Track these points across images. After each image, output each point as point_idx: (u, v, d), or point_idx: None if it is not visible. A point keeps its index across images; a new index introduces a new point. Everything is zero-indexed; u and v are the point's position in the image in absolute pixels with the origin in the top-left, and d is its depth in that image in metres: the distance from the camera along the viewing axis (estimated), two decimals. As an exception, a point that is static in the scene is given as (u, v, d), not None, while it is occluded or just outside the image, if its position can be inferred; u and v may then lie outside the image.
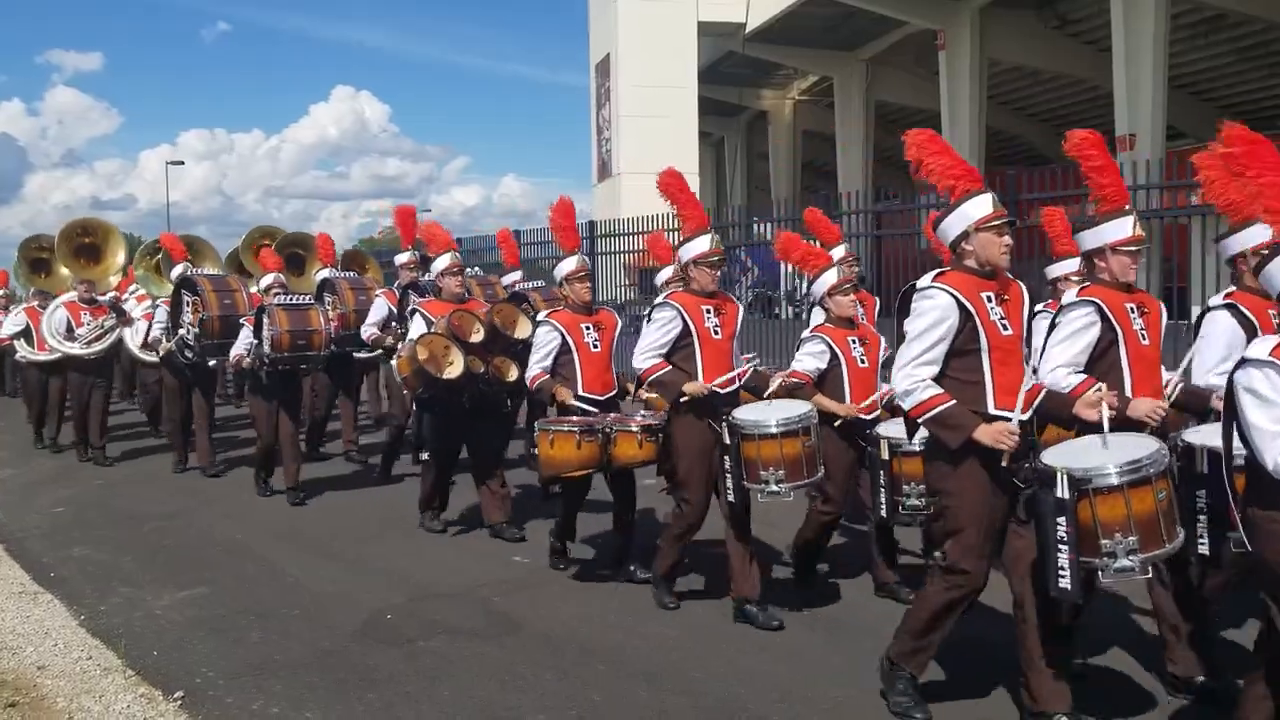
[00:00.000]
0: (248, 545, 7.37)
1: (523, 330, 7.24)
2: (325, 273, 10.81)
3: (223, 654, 5.15)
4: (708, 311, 5.51)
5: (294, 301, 8.64)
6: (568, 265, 6.49)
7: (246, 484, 9.23)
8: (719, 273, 5.68)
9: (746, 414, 5.25)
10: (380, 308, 9.26)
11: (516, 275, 10.15)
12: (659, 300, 5.72)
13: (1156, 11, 21.03)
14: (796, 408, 5.25)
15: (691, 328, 5.45)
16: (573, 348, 6.24)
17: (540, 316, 6.50)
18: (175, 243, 11.13)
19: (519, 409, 8.63)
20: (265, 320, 8.38)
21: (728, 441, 5.21)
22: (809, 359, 5.76)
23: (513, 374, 7.16)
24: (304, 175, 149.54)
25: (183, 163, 62.74)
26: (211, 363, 9.81)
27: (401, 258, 9.64)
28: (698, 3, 29.38)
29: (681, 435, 5.47)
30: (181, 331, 9.55)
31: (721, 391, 5.43)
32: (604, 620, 5.51)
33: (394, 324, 9.02)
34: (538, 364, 6.29)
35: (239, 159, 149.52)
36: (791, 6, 28.69)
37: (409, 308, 8.17)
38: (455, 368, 7.03)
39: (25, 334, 11.61)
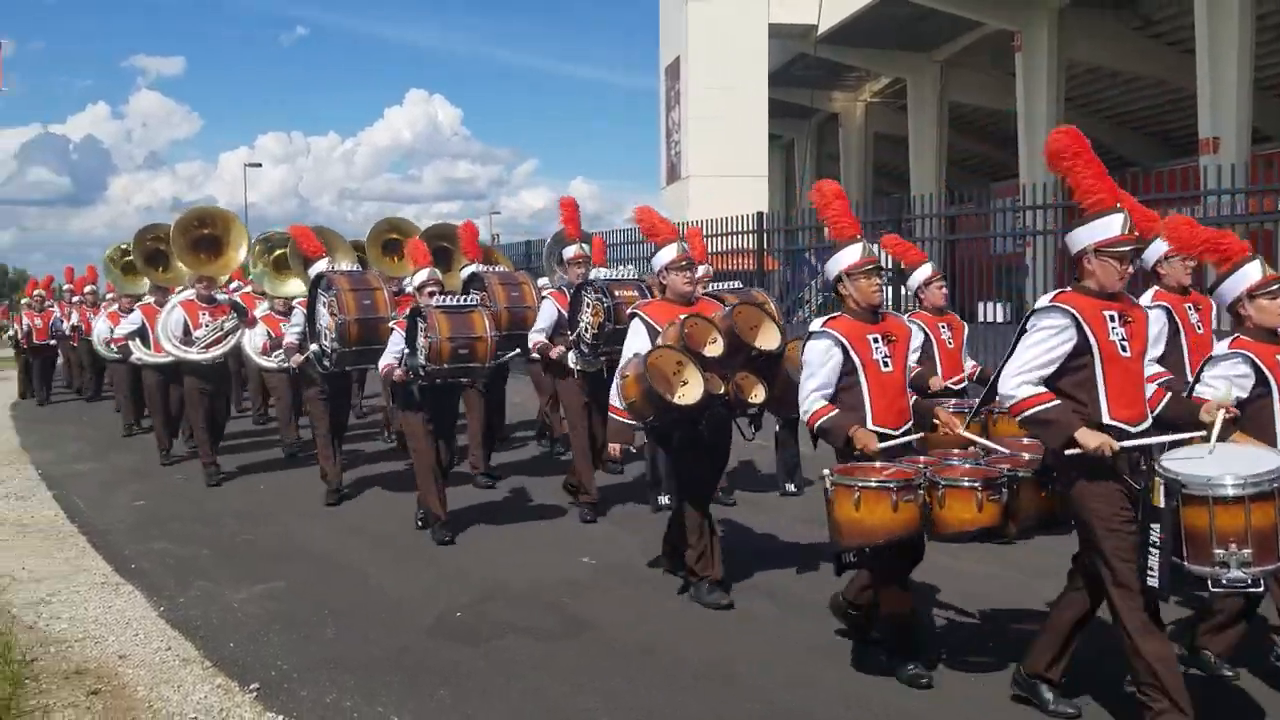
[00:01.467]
0: (323, 543, 7.49)
1: (768, 339, 5.64)
2: (472, 268, 9.40)
3: (297, 648, 5.24)
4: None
5: (454, 303, 7.23)
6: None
7: (323, 485, 9.38)
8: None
9: (1188, 466, 3.67)
10: (549, 312, 8.10)
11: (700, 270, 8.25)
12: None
13: (1241, 12, 20.49)
14: (1263, 459, 3.70)
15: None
16: (858, 366, 4.70)
17: (815, 326, 4.84)
18: (308, 236, 9.00)
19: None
20: (420, 325, 6.99)
21: (1159, 504, 3.63)
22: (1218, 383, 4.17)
23: (759, 395, 5.59)
24: (377, 178, 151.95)
25: (260, 165, 63.92)
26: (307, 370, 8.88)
27: (569, 251, 8.29)
28: (769, 5, 29.25)
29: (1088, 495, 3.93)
30: (322, 339, 8.10)
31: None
32: (674, 624, 5.50)
33: (565, 332, 7.72)
34: (817, 391, 4.73)
35: (315, 161, 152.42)
36: (864, 8, 28.45)
37: (584, 309, 7.19)
38: (692, 389, 5.44)
39: (140, 334, 10.60)
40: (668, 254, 5.92)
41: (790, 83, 35.28)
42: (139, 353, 10.61)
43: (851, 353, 4.67)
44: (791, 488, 8.52)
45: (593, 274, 7.95)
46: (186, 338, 9.65)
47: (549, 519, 7.92)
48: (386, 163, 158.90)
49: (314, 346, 8.14)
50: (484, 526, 7.67)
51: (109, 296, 15.09)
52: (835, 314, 4.85)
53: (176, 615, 5.82)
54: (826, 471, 4.40)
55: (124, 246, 13.00)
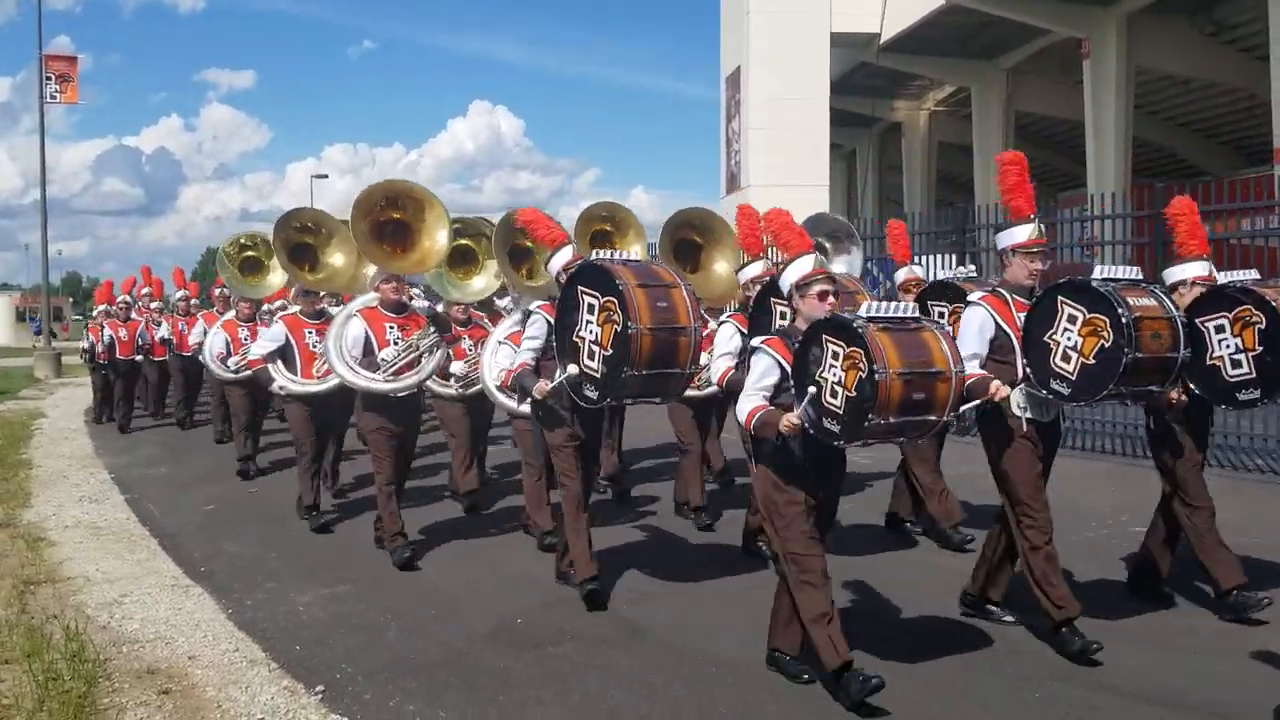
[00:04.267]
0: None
1: None
2: (753, 268, 7.21)
3: (362, 651, 5.31)
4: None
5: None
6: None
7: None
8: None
9: None
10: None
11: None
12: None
13: (1318, 17, 19.98)
14: None
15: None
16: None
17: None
18: (541, 221, 6.43)
19: None
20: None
21: None
22: None
23: None
24: (440, 188, 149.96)
25: (326, 176, 65.11)
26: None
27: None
28: (830, 14, 29.03)
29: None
30: (584, 357, 5.54)
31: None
32: (732, 632, 5.48)
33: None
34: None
35: (380, 172, 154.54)
36: (928, 16, 28.19)
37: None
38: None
39: (284, 354, 8.36)
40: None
41: (852, 91, 35.06)
42: (283, 379, 8.29)
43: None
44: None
45: (899, 275, 8.14)
46: (368, 359, 7.11)
47: (612, 526, 7.94)
48: (449, 173, 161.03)
49: (571, 369, 5.58)
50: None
51: (218, 294, 13.14)
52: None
53: (244, 617, 5.93)
54: None
55: (243, 239, 11.65)
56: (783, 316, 6.03)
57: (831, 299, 4.67)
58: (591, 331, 5.46)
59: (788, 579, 4.65)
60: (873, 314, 4.40)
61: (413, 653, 5.29)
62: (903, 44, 30.47)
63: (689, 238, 7.96)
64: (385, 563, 7.07)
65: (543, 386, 5.90)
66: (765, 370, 4.69)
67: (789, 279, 4.80)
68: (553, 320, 5.87)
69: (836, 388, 4.33)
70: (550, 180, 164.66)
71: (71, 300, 70.91)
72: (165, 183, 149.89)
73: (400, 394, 7.08)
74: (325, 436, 8.55)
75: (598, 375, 5.47)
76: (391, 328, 7.18)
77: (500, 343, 7.36)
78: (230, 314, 11.29)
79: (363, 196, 7.26)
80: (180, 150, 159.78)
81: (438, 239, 7.44)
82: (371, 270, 7.77)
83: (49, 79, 27.53)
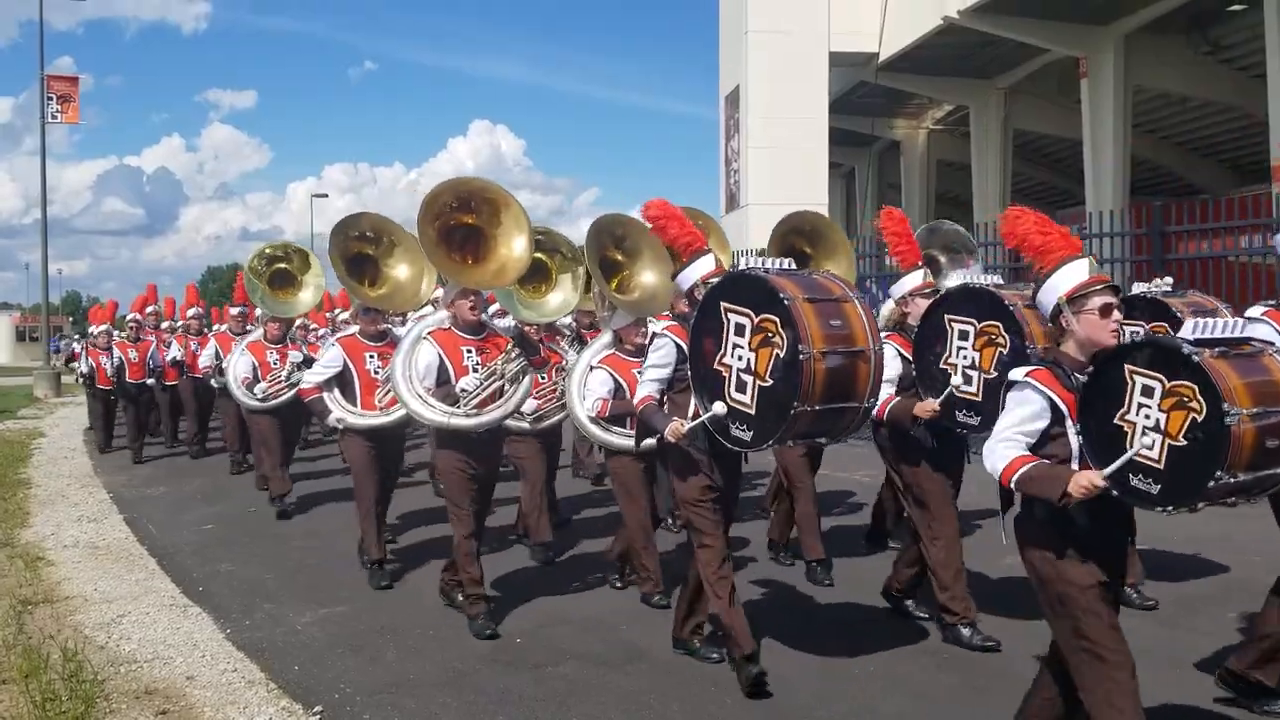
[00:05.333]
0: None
1: None
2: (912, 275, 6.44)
3: (360, 671, 5.30)
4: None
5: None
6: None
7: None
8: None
9: None
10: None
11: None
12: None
13: (1315, 35, 20.06)
14: None
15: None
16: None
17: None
18: (677, 219, 5.46)
19: None
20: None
21: None
22: None
23: None
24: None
25: (326, 195, 65.28)
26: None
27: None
28: (829, 33, 29.17)
29: None
30: (730, 390, 4.65)
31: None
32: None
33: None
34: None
35: (380, 192, 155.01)
36: (925, 36, 28.30)
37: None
38: None
39: (342, 382, 7.29)
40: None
41: (851, 110, 35.16)
42: (342, 411, 7.19)
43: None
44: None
45: None
46: (443, 387, 6.03)
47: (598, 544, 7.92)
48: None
49: (718, 407, 4.64)
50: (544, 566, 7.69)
51: (235, 313, 12.11)
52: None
53: (243, 637, 5.91)
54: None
55: (272, 250, 10.30)
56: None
57: (1117, 314, 3.65)
58: (741, 358, 4.55)
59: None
60: (1201, 335, 3.37)
61: (411, 673, 5.27)
62: (901, 63, 30.59)
63: (798, 246, 7.02)
64: (384, 587, 7.05)
65: (677, 428, 4.85)
66: (1036, 413, 3.61)
67: (1056, 289, 3.71)
68: (684, 345, 4.94)
69: (1153, 435, 3.33)
70: (550, 199, 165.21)
71: (71, 320, 70.94)
72: (166, 202, 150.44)
73: (478, 431, 5.97)
74: (390, 477, 7.42)
75: (751, 412, 4.51)
76: (469, 352, 6.09)
77: (593, 367, 6.49)
78: (256, 334, 10.27)
79: (430, 198, 6.07)
80: (181, 170, 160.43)
81: (515, 247, 6.18)
82: (423, 286, 7.43)
83: (50, 99, 27.68)
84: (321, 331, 13.40)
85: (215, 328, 13.90)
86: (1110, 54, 25.99)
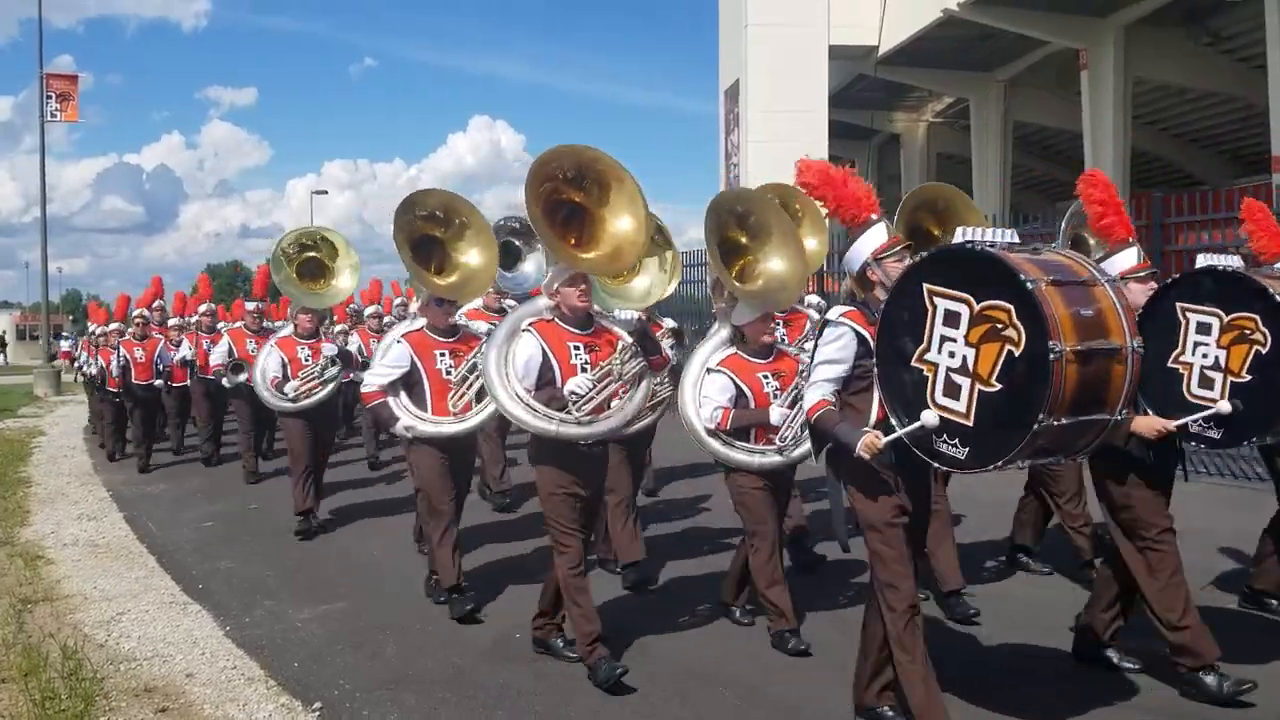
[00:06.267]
0: (384, 563, 7.56)
1: None
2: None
3: (359, 667, 5.29)
4: None
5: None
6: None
7: (384, 504, 9.51)
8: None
9: None
10: None
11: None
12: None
13: (1315, 26, 20.01)
14: None
15: None
16: None
17: None
18: (836, 182, 4.43)
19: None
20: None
21: None
22: None
23: None
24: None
25: (326, 192, 65.23)
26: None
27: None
28: (829, 27, 29.13)
29: None
30: (943, 401, 3.82)
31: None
32: (737, 651, 5.45)
33: None
34: None
35: (380, 188, 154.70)
36: (925, 29, 28.27)
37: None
38: None
39: (408, 384, 6.31)
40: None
41: (851, 104, 35.12)
42: (410, 418, 6.21)
43: None
44: None
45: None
46: (547, 394, 5.08)
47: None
48: (449, 187, 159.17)
49: (928, 417, 3.80)
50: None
51: (252, 307, 11.65)
52: None
53: (242, 634, 5.90)
54: None
55: (304, 237, 9.23)
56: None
57: None
58: (954, 355, 3.71)
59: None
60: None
61: (410, 669, 5.26)
62: (901, 56, 30.54)
63: (925, 226, 6.19)
64: (383, 579, 7.06)
65: (873, 441, 3.95)
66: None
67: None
68: (868, 335, 4.12)
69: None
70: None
71: (71, 318, 70.92)
72: (166, 200, 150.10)
73: (594, 441, 5.15)
74: (462, 494, 6.51)
75: (967, 423, 3.68)
76: (577, 349, 5.18)
77: (710, 370, 5.56)
78: (287, 329, 9.23)
79: (536, 168, 5.11)
80: (181, 167, 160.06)
81: (629, 228, 5.25)
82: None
83: (49, 97, 27.63)
84: (339, 327, 12.68)
85: (226, 324, 13.14)
86: (1110, 46, 25.96)
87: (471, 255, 6.36)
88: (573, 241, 5.25)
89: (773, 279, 5.40)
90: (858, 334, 4.17)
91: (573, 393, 5.03)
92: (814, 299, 7.50)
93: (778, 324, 6.13)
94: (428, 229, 6.31)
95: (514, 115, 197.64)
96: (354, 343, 11.04)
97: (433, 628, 5.93)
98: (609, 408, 5.13)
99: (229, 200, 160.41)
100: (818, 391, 4.21)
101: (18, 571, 7.39)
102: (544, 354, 5.09)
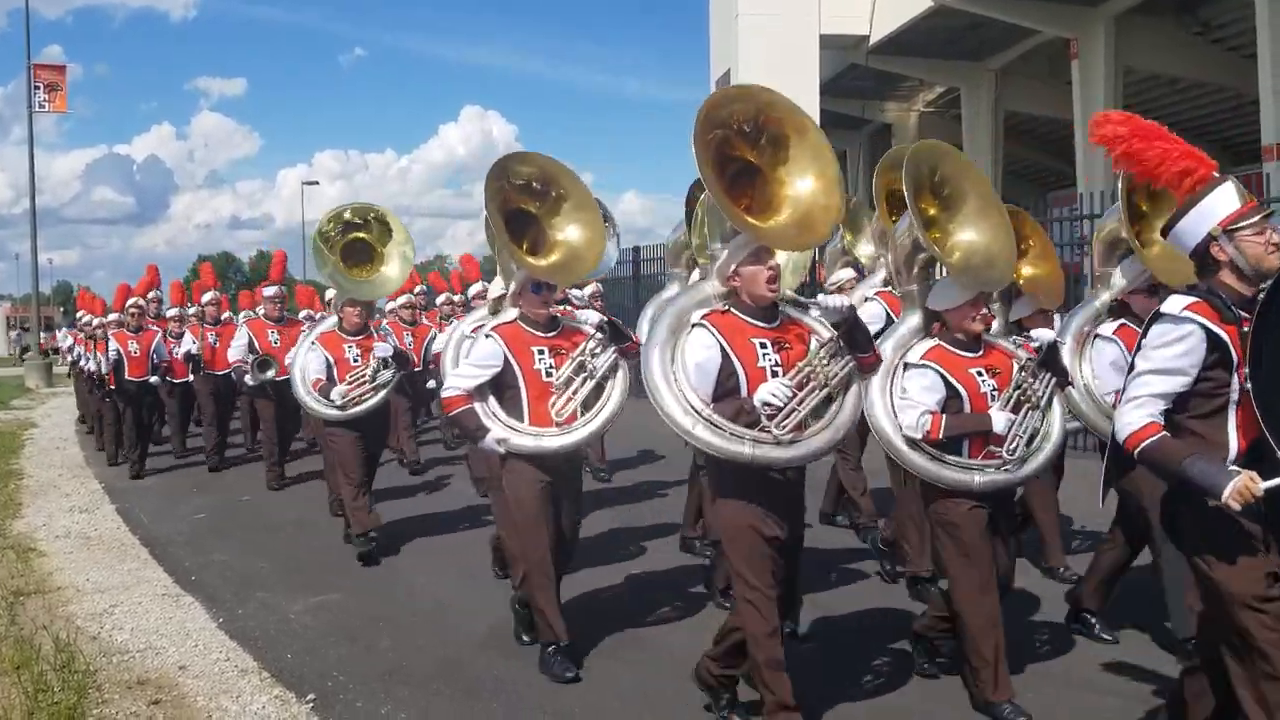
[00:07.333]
0: (378, 554, 7.53)
1: None
2: None
3: (353, 659, 5.29)
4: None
5: None
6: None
7: (376, 494, 9.45)
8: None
9: None
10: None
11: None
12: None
13: (1305, 14, 20.07)
14: None
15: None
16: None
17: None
18: (1147, 134, 3.67)
19: None
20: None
21: None
22: None
23: None
24: (431, 194, 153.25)
25: (317, 183, 65.01)
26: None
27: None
28: (819, 16, 29.13)
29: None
30: None
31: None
32: (653, 614, 5.56)
33: None
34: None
35: (371, 178, 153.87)
36: (916, 18, 28.27)
37: None
38: None
39: (497, 386, 5.15)
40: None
41: (842, 94, 35.10)
42: (503, 429, 5.08)
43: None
44: None
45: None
46: (732, 404, 3.98)
47: (599, 533, 7.91)
48: (441, 178, 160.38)
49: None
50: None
51: (274, 292, 10.68)
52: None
53: (235, 626, 5.90)
54: None
55: (349, 214, 7.77)
56: None
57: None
58: None
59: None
60: None
61: (405, 661, 5.26)
62: (892, 46, 30.55)
63: (1138, 205, 5.17)
64: (376, 571, 7.06)
65: (1248, 485, 3.00)
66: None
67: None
68: (1225, 338, 3.17)
69: None
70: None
71: (62, 309, 70.69)
72: (156, 191, 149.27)
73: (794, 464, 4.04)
74: (567, 534, 5.32)
75: None
76: (764, 348, 4.04)
77: (908, 365, 4.41)
78: (329, 323, 7.93)
79: (708, 111, 4.04)
80: (171, 158, 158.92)
81: (805, 186, 4.19)
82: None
83: (37, 88, 27.55)
84: (319, 315, 11.09)
85: (244, 314, 12.46)
86: (1101, 35, 26.01)
87: (570, 231, 5.37)
88: (748, 207, 4.14)
89: (975, 253, 4.48)
90: (1209, 334, 3.19)
91: (766, 403, 3.89)
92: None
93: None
94: (522, 201, 5.32)
95: (505, 106, 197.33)
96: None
97: (427, 618, 5.94)
98: (810, 423, 3.99)
99: (219, 191, 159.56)
100: (1143, 411, 3.24)
101: (9, 564, 7.37)
102: (724, 354, 3.97)
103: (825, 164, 4.20)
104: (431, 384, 10.06)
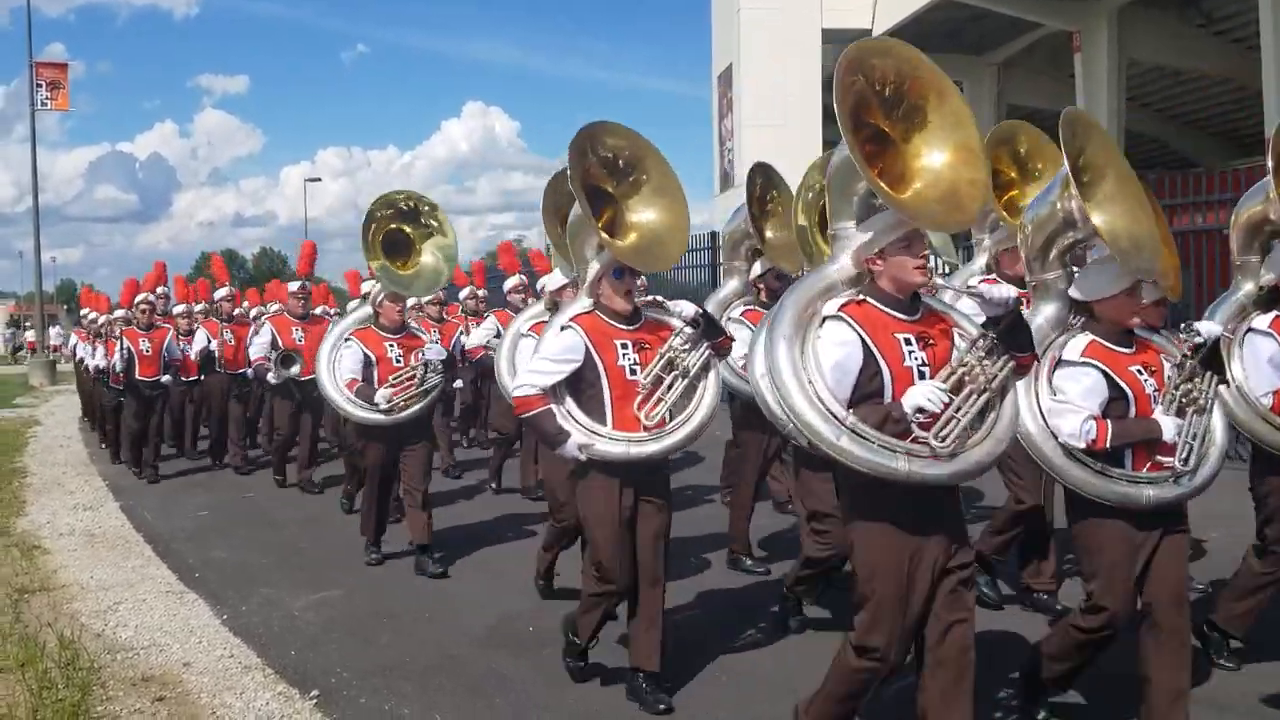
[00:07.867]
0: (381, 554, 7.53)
1: None
2: None
3: (356, 655, 5.30)
4: None
5: None
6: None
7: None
8: None
9: None
10: None
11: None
12: None
13: (1308, 5, 20.02)
14: None
15: None
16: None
17: None
18: None
19: None
20: None
21: None
22: None
23: None
24: (434, 190, 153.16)
25: (320, 179, 64.87)
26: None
27: None
28: (822, 10, 29.10)
29: None
30: None
31: None
32: (737, 637, 5.44)
33: None
34: None
35: (374, 175, 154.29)
36: (918, 11, 28.23)
37: None
38: None
39: (576, 387, 4.53)
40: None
41: (844, 88, 35.10)
42: (584, 434, 4.46)
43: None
44: None
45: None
46: (873, 410, 3.42)
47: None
48: (443, 175, 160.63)
49: None
50: (541, 536, 7.68)
51: (297, 287, 10.11)
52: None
53: (238, 623, 5.91)
54: None
55: (402, 201, 7.18)
56: None
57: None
58: None
59: None
60: None
61: (407, 656, 5.27)
62: (894, 39, 30.56)
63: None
64: (379, 567, 7.06)
65: None
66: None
67: None
68: None
69: None
70: (544, 181, 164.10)
71: (66, 308, 70.74)
72: (159, 189, 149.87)
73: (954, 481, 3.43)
74: (654, 554, 4.63)
75: None
76: (909, 345, 3.48)
77: (1063, 361, 3.84)
78: (357, 317, 7.31)
79: (848, 64, 3.62)
80: (174, 156, 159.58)
81: (945, 159, 3.61)
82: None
83: (39, 86, 27.56)
84: (334, 311, 11.18)
85: (267, 308, 12.11)
86: (1103, 28, 25.97)
87: (647, 215, 4.80)
88: (877, 174, 3.51)
89: (1120, 235, 3.78)
90: None
91: (920, 409, 3.31)
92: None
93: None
94: (603, 180, 4.75)
95: (508, 101, 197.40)
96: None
97: (429, 615, 5.95)
98: (969, 431, 3.38)
99: (222, 189, 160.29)
100: None
101: (14, 561, 7.39)
102: (866, 352, 3.40)
103: (969, 134, 3.62)
104: (459, 383, 9.33)
